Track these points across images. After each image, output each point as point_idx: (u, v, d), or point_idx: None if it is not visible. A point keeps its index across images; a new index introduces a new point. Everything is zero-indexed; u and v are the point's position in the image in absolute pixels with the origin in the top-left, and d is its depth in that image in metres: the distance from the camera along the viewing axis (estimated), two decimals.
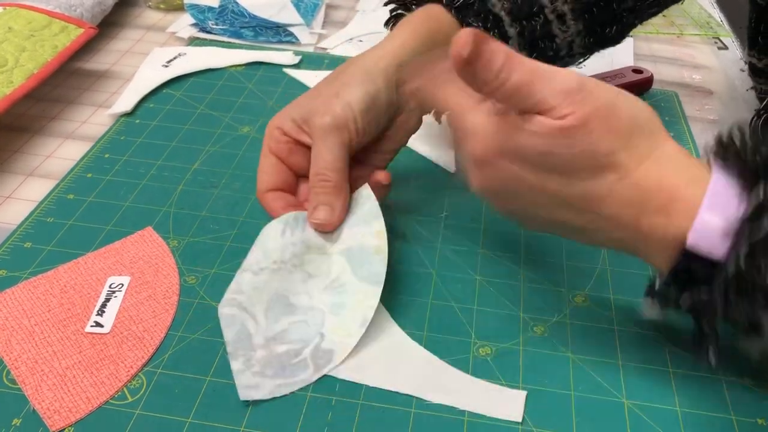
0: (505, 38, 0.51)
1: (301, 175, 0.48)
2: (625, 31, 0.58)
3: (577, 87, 0.34)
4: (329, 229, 0.45)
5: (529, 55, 0.52)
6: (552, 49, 0.53)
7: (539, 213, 0.38)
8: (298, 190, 0.49)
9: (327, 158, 0.45)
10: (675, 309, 0.37)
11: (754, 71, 0.64)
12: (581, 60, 0.57)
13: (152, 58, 0.72)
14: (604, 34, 0.56)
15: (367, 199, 0.46)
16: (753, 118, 0.63)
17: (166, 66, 0.70)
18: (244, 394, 0.39)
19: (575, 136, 0.34)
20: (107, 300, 0.45)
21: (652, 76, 0.70)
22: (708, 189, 0.34)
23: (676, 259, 0.35)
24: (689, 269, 0.34)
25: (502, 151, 0.36)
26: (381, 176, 0.48)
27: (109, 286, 0.46)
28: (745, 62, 0.65)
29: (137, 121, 0.63)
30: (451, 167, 0.59)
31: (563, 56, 0.55)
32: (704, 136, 0.65)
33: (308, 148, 0.46)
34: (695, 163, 0.36)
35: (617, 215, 0.36)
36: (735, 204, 0.33)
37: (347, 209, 0.46)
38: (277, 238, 0.45)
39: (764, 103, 0.62)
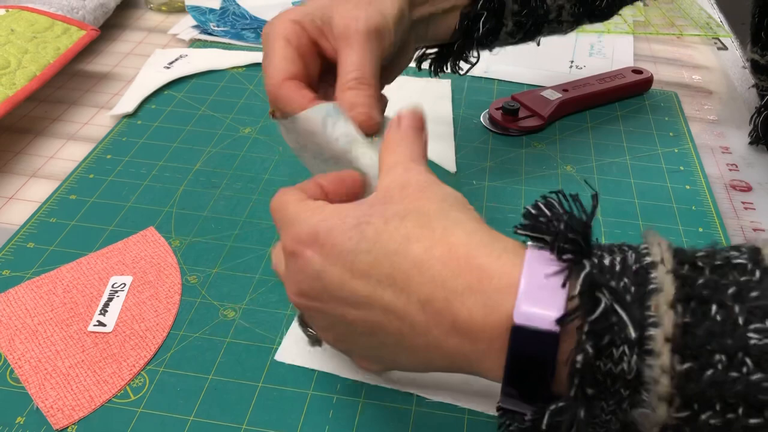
0: None
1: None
2: (614, 6, 0.57)
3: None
4: (373, 130, 0.40)
5: (521, 11, 0.51)
6: (543, 8, 0.52)
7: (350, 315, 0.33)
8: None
9: (366, 63, 0.40)
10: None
11: (756, 68, 0.64)
12: (569, 30, 0.56)
13: (154, 60, 0.72)
14: (594, 4, 0.55)
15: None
16: (753, 115, 0.64)
17: (168, 68, 0.71)
18: None
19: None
20: (110, 299, 0.45)
21: (651, 76, 0.71)
22: (525, 257, 0.29)
23: (509, 343, 0.28)
24: (529, 365, 0.28)
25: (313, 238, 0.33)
26: (383, 99, 0.45)
27: (112, 286, 0.46)
28: (747, 59, 0.65)
29: (139, 122, 0.63)
30: (451, 167, 0.59)
31: (551, 20, 0.54)
32: (704, 137, 0.66)
33: (323, 56, 0.43)
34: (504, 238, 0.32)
35: (430, 300, 0.30)
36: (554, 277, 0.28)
37: None
38: (322, 131, 0.40)
39: (765, 100, 0.63)
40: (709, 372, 0.25)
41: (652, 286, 0.26)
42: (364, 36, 0.41)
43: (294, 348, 0.43)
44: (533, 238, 0.30)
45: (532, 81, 0.72)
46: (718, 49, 0.82)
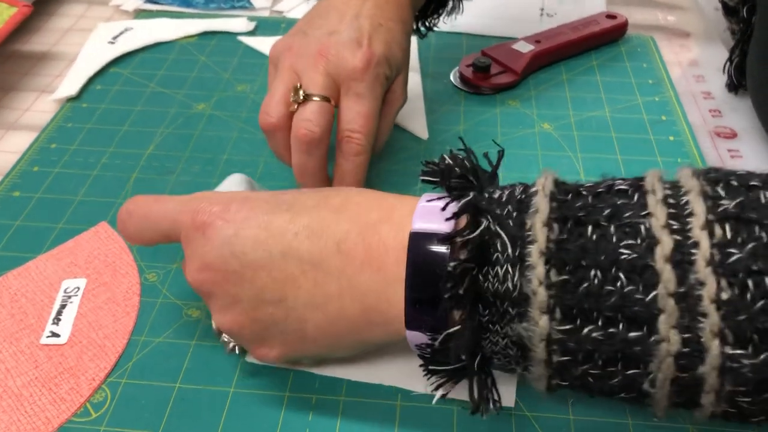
0: None
1: None
2: None
3: None
4: None
5: None
6: None
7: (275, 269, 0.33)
8: None
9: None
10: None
11: (727, 10, 0.61)
12: None
13: (96, 35, 0.67)
14: None
15: None
16: (726, 63, 0.61)
17: (112, 42, 0.66)
18: None
19: None
20: (63, 306, 0.42)
21: (626, 21, 0.67)
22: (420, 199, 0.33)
23: (410, 261, 0.30)
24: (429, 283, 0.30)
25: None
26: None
27: (64, 291, 0.43)
28: (720, 1, 0.61)
29: (84, 105, 0.59)
30: (423, 135, 0.56)
31: None
32: (684, 83, 0.62)
33: None
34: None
35: (345, 237, 0.32)
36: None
37: None
38: None
39: (732, 45, 0.60)
40: (585, 285, 0.27)
41: (531, 210, 0.28)
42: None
43: None
44: (434, 183, 0.33)
45: (502, 33, 0.68)
46: None
